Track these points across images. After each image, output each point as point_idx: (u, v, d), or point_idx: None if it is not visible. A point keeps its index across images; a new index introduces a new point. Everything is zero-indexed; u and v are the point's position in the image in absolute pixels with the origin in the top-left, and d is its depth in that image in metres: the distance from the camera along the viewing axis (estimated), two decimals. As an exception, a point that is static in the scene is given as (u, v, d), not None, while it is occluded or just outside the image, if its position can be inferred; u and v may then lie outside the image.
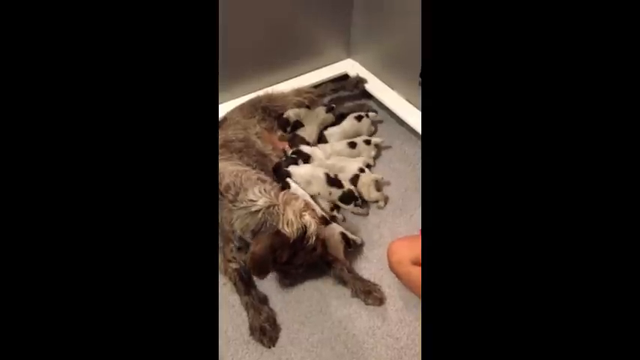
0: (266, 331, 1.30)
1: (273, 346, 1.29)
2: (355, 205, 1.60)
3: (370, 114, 1.93)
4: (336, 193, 1.59)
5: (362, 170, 1.68)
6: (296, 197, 1.25)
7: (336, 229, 1.48)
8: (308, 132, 1.83)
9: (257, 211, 1.20)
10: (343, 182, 1.62)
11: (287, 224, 1.17)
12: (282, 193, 1.24)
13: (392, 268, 1.35)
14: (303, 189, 1.59)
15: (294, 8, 1.85)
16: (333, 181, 1.60)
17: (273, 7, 1.78)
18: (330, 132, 1.88)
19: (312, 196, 1.58)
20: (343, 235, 1.46)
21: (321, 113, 1.90)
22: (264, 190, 1.24)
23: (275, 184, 1.35)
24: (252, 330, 1.31)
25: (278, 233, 1.17)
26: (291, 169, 1.63)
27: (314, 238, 1.21)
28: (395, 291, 1.40)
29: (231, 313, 1.36)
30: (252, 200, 1.22)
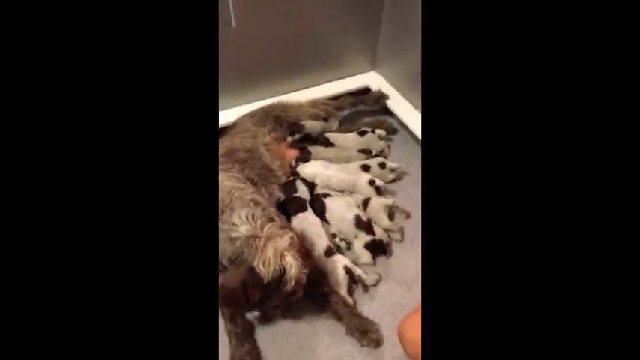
0: (247, 365, 1.18)
1: (253, 383, 1.17)
2: (374, 257, 1.43)
3: (377, 131, 1.81)
4: (364, 238, 1.42)
5: (372, 182, 1.55)
6: (283, 233, 1.09)
7: (340, 261, 1.34)
8: (325, 155, 1.72)
9: (236, 238, 1.07)
10: (375, 228, 1.45)
11: (263, 263, 1.03)
12: (269, 225, 1.10)
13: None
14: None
15: (321, 14, 1.75)
16: (362, 224, 1.43)
17: (300, 11, 1.69)
18: (334, 137, 1.77)
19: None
20: (347, 269, 1.32)
21: (352, 147, 1.74)
22: (252, 216, 1.11)
23: (268, 210, 1.21)
24: (232, 363, 1.19)
25: (252, 270, 1.03)
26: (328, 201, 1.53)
27: (293, 282, 1.06)
28: (395, 335, 1.26)
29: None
30: (234, 224, 1.09)
